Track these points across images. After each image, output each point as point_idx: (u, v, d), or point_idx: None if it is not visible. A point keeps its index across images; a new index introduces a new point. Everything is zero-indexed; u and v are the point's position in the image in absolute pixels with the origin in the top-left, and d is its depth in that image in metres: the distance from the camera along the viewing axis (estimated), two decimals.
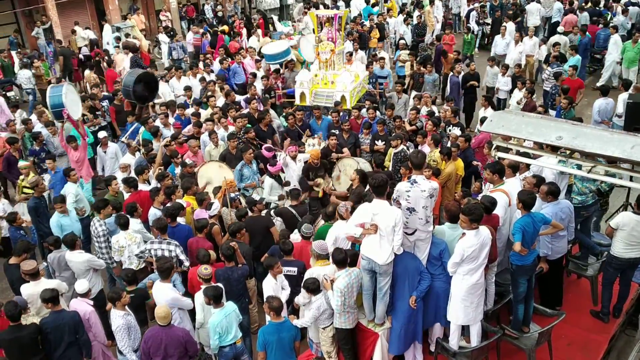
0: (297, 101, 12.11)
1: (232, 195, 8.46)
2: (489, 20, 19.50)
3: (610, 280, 7.13)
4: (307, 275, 6.38)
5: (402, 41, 17.31)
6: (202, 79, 13.19)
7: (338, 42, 12.05)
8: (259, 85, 13.03)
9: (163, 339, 5.91)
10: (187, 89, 12.77)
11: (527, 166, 7.65)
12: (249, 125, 10.69)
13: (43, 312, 6.67)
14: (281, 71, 13.88)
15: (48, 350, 6.25)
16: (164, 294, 6.54)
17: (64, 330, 6.17)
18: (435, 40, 17.58)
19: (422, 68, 13.78)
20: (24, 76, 15.96)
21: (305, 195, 9.02)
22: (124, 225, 7.56)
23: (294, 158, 9.42)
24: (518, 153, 7.14)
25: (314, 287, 6.16)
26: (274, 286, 6.56)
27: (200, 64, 15.04)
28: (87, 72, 15.71)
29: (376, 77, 13.87)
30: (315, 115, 11.23)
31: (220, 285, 6.37)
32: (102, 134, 10.70)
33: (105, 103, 12.73)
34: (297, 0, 23.23)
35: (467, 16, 19.92)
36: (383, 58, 14.47)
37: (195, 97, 12.68)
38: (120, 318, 6.19)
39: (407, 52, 15.66)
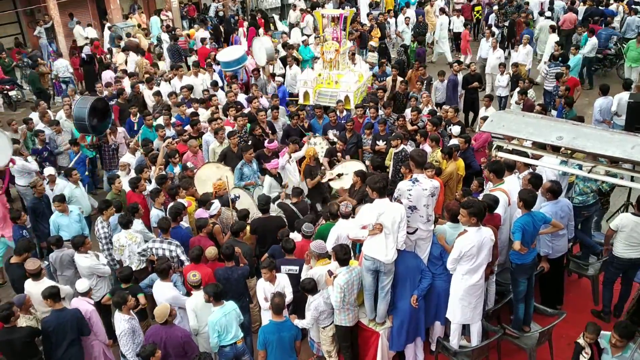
0: (301, 100, 12.12)
1: (232, 196, 8.47)
2: (507, 23, 19.32)
3: (610, 280, 7.15)
4: (309, 275, 6.40)
5: (371, 43, 17.09)
6: (157, 93, 12.48)
7: (342, 42, 12.03)
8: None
9: (163, 337, 5.93)
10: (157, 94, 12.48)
11: (527, 165, 7.65)
12: (249, 124, 10.72)
13: (46, 310, 6.70)
14: (239, 77, 13.73)
15: (49, 349, 6.25)
16: (164, 292, 6.56)
17: (66, 329, 6.16)
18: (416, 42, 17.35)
19: (407, 89, 12.73)
20: (61, 65, 16.09)
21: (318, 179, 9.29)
22: (126, 225, 7.58)
23: (289, 160, 9.46)
24: (518, 153, 7.14)
25: (310, 287, 6.21)
26: (268, 289, 6.53)
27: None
28: (137, 58, 15.72)
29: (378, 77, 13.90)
30: (316, 115, 11.25)
31: (218, 284, 6.35)
32: (48, 171, 9.40)
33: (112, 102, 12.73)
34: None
35: (486, 19, 19.80)
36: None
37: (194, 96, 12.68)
38: (125, 322, 6.18)
39: (375, 54, 15.41)
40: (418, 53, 16.71)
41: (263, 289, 6.56)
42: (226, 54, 14.02)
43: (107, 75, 14.68)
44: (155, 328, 6.06)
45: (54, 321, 6.16)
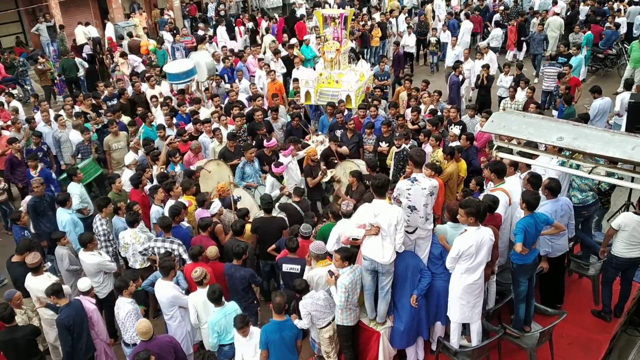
0: (302, 99, 12.13)
1: (236, 197, 8.50)
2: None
3: (609, 279, 7.14)
4: (310, 276, 6.42)
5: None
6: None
7: (344, 41, 12.04)
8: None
9: (154, 351, 5.76)
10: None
11: (528, 165, 7.65)
12: (246, 125, 10.75)
13: (40, 305, 6.78)
14: (190, 90, 13.18)
15: (71, 345, 6.20)
16: (165, 291, 6.58)
17: (84, 318, 6.25)
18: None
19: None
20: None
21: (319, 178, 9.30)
22: (132, 224, 7.61)
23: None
24: (520, 153, 7.14)
25: (300, 288, 6.36)
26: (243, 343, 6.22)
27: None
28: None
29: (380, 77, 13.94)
30: (327, 112, 11.23)
31: (217, 285, 6.36)
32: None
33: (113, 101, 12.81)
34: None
35: (490, 19, 19.76)
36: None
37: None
38: (128, 304, 6.26)
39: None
40: (398, 55, 16.35)
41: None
42: (174, 67, 13.12)
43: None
44: (142, 346, 5.80)
45: (73, 314, 6.17)
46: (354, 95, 11.58)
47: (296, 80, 12.93)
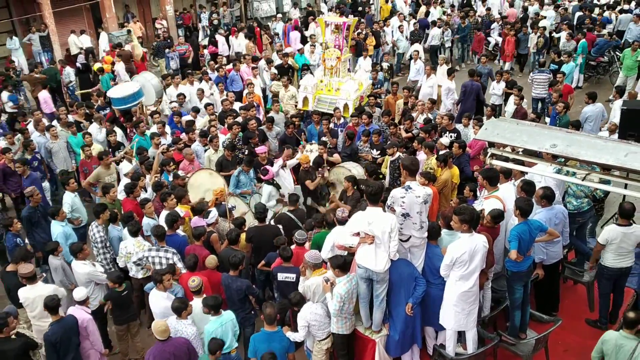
0: (300, 105, 12.15)
1: (230, 205, 8.48)
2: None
3: (605, 291, 7.15)
4: (307, 285, 6.38)
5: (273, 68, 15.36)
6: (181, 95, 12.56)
7: (344, 49, 12.08)
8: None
9: (171, 351, 5.78)
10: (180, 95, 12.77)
11: (522, 172, 7.67)
12: (241, 134, 10.77)
13: (44, 317, 6.67)
14: (137, 114, 12.53)
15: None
16: (158, 302, 6.57)
17: (72, 334, 6.18)
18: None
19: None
20: (71, 72, 16.30)
21: (319, 179, 9.32)
22: (135, 233, 7.59)
23: (283, 167, 9.51)
24: (514, 161, 7.16)
25: (295, 301, 6.30)
26: None
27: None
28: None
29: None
30: (314, 121, 11.26)
31: (217, 296, 6.33)
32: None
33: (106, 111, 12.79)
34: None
35: (487, 27, 19.83)
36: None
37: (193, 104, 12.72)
38: (190, 326, 6.16)
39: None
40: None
41: None
42: (119, 91, 12.34)
43: None
44: (158, 347, 5.82)
45: (60, 330, 6.10)
46: (351, 104, 11.61)
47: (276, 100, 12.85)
